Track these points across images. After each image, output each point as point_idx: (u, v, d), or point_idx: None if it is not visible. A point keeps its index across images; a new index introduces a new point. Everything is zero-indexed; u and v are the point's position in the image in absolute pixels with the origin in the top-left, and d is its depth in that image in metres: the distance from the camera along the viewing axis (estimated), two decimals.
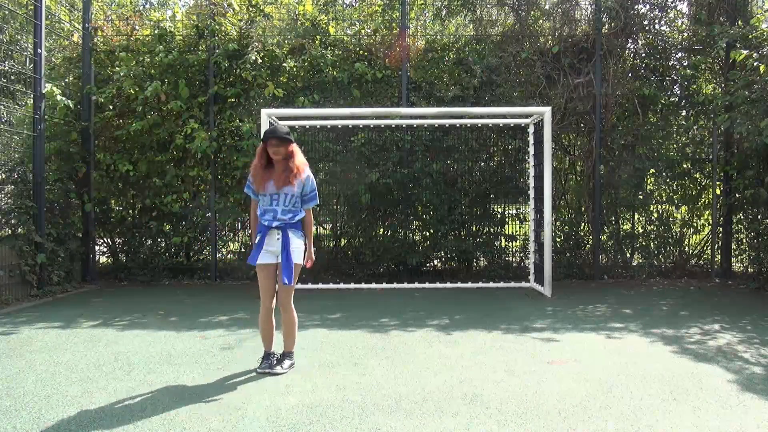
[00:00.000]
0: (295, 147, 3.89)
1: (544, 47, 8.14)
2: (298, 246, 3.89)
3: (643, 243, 8.30)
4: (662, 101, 8.19)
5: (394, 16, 8.22)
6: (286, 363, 3.96)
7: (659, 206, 8.42)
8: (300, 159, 3.91)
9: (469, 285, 7.40)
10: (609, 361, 4.12)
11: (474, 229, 8.25)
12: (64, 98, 7.26)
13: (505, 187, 8.12)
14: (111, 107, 7.91)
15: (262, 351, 4.42)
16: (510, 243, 8.27)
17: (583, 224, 8.33)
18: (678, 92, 8.41)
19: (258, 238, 3.88)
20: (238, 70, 7.73)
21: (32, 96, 6.95)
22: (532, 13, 8.47)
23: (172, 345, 4.63)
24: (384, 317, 5.69)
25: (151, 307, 6.24)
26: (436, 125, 7.82)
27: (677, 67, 8.38)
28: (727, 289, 7.36)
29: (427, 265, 8.38)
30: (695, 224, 8.39)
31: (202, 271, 8.17)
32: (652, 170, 8.27)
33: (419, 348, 4.51)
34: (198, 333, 5.04)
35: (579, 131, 8.36)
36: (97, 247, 8.40)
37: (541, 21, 8.55)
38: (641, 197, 8.14)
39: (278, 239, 3.84)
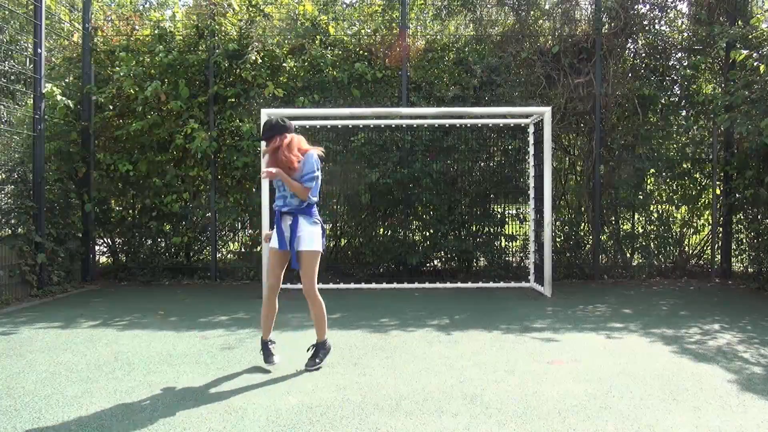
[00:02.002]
0: (282, 140, 3.80)
1: (544, 47, 8.14)
2: (310, 232, 3.89)
3: (643, 243, 8.30)
4: (662, 101, 8.19)
5: (394, 16, 8.22)
6: (321, 355, 4.01)
7: (659, 206, 8.41)
8: (291, 147, 3.82)
9: (469, 285, 7.40)
10: (609, 361, 4.12)
11: (474, 229, 8.25)
12: (64, 98, 7.26)
13: (505, 187, 8.12)
14: (111, 107, 7.91)
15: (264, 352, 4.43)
16: (510, 243, 8.27)
17: (583, 224, 8.33)
18: (678, 92, 8.40)
19: (276, 225, 3.94)
20: (238, 70, 7.73)
21: (32, 96, 6.95)
22: (532, 13, 8.47)
23: (172, 345, 4.63)
24: (384, 317, 5.69)
25: (151, 307, 6.24)
26: (436, 125, 7.81)
27: (677, 67, 8.38)
28: (727, 289, 7.36)
29: (427, 265, 8.38)
30: (695, 224, 8.39)
31: (202, 271, 8.17)
32: (652, 170, 8.27)
33: (419, 348, 4.51)
34: (198, 333, 5.04)
35: (579, 131, 8.36)
36: (97, 247, 8.41)
37: (541, 21, 8.55)
38: (641, 197, 8.14)
39: (290, 224, 3.90)
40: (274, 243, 3.91)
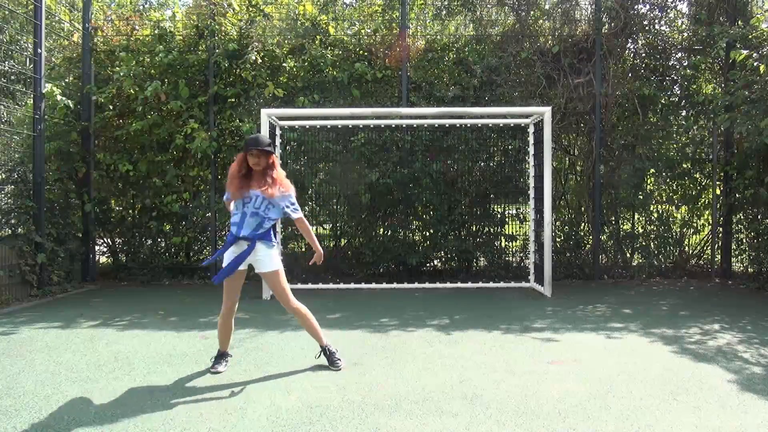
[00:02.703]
0: (275, 159, 3.84)
1: (544, 47, 8.14)
2: (268, 254, 3.84)
3: (643, 243, 8.30)
4: (662, 101, 8.19)
5: (394, 16, 8.22)
6: (335, 357, 4.00)
7: (659, 206, 8.42)
8: (280, 171, 3.84)
9: (469, 285, 7.40)
10: (609, 361, 4.12)
11: (474, 229, 8.25)
12: (64, 98, 7.26)
13: (505, 187, 8.12)
14: (111, 107, 7.92)
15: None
16: (510, 243, 8.27)
17: (583, 224, 8.33)
18: (678, 92, 8.40)
19: (226, 247, 3.81)
20: (238, 70, 7.73)
21: (32, 96, 6.95)
22: (532, 13, 8.47)
23: (172, 345, 4.63)
24: (384, 317, 5.69)
25: (151, 307, 6.24)
26: (436, 125, 7.81)
27: (677, 67, 8.38)
28: (727, 289, 7.36)
29: (427, 265, 8.38)
30: (695, 224, 8.39)
31: (202, 271, 8.17)
32: (652, 170, 8.27)
33: (419, 348, 4.51)
34: (198, 333, 5.04)
35: (579, 131, 8.36)
36: (97, 247, 8.41)
37: (541, 21, 8.55)
38: (641, 197, 8.14)
39: (242, 250, 3.79)
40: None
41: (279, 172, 3.83)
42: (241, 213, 3.78)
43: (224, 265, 3.81)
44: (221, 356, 3.99)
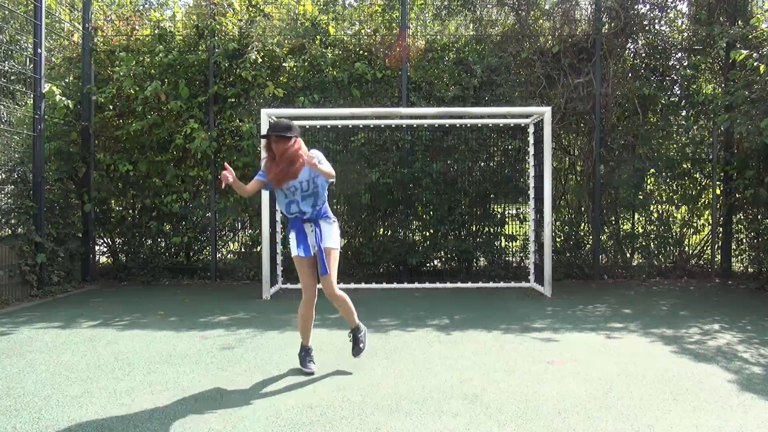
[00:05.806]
0: (299, 142, 3.73)
1: (544, 47, 8.14)
2: (329, 232, 3.84)
3: (643, 243, 8.30)
4: (662, 101, 8.19)
5: (394, 16, 8.22)
6: (361, 335, 3.96)
7: (659, 206, 8.42)
8: (303, 149, 3.76)
9: (469, 285, 7.40)
10: (609, 361, 4.12)
11: (474, 229, 8.25)
12: (64, 98, 7.26)
13: (505, 187, 8.12)
14: (111, 107, 7.92)
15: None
16: (510, 243, 8.27)
17: (583, 224, 8.33)
18: (678, 92, 8.40)
19: (293, 231, 3.81)
20: (238, 70, 7.73)
21: (32, 96, 6.95)
22: (532, 13, 8.47)
23: (172, 345, 4.63)
24: (384, 317, 5.69)
25: (151, 307, 6.24)
26: (436, 125, 7.81)
27: (677, 67, 8.38)
28: (727, 289, 7.36)
29: (427, 265, 8.38)
30: (695, 224, 8.39)
31: (202, 271, 8.17)
32: (652, 170, 8.27)
33: (419, 348, 4.51)
34: (198, 333, 5.04)
35: (579, 131, 8.36)
36: (97, 247, 8.41)
37: (541, 21, 8.55)
38: (641, 197, 8.14)
39: (312, 231, 3.79)
40: (298, 251, 3.78)
41: (302, 151, 3.72)
42: (293, 199, 3.76)
43: (298, 248, 3.78)
44: (308, 352, 3.92)
